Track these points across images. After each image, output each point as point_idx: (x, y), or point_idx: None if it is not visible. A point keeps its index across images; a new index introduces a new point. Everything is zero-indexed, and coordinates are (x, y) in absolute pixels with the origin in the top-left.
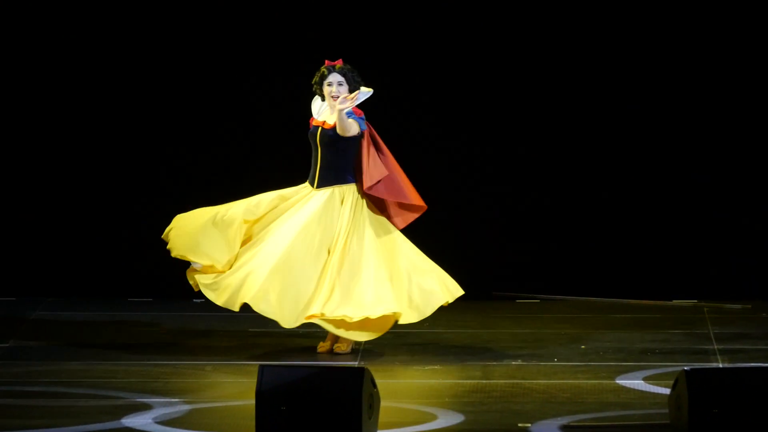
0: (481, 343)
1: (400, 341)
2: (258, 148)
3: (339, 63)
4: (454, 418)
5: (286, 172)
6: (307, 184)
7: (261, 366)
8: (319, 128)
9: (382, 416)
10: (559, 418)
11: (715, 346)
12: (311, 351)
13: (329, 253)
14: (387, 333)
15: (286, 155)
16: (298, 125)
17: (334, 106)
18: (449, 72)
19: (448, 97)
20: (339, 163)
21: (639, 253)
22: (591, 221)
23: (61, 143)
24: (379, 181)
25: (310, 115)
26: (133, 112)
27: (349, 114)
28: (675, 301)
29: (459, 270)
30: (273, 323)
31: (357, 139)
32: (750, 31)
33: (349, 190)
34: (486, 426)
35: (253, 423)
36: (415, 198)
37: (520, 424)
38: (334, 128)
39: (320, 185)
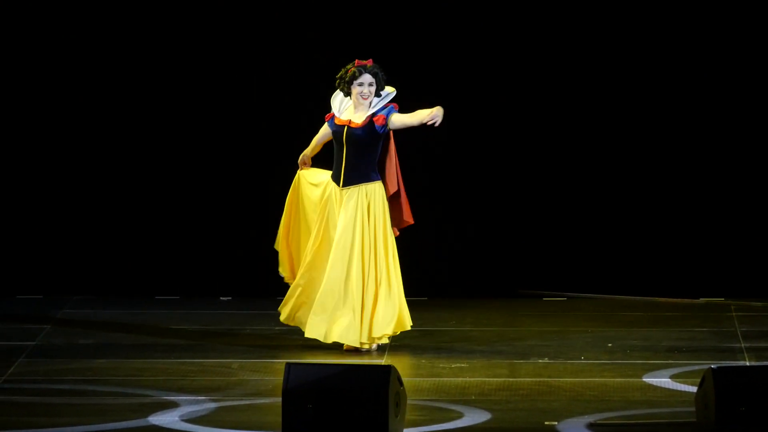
0: (507, 340)
1: (426, 339)
2: (281, 142)
3: (370, 63)
4: (481, 416)
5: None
6: (330, 180)
7: (287, 364)
8: (345, 127)
9: (409, 414)
10: (585, 417)
11: (743, 344)
12: (338, 349)
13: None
14: (414, 330)
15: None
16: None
17: (361, 105)
18: (461, 68)
19: (467, 92)
20: (364, 161)
21: (666, 250)
22: (618, 219)
23: (89, 142)
24: (395, 194)
25: (325, 110)
26: (161, 109)
27: (391, 110)
28: (702, 299)
29: (486, 267)
30: None
31: (383, 137)
32: (751, 29)
33: (375, 189)
34: (512, 424)
35: (279, 421)
36: (408, 215)
37: (546, 422)
38: (362, 127)
39: (346, 184)
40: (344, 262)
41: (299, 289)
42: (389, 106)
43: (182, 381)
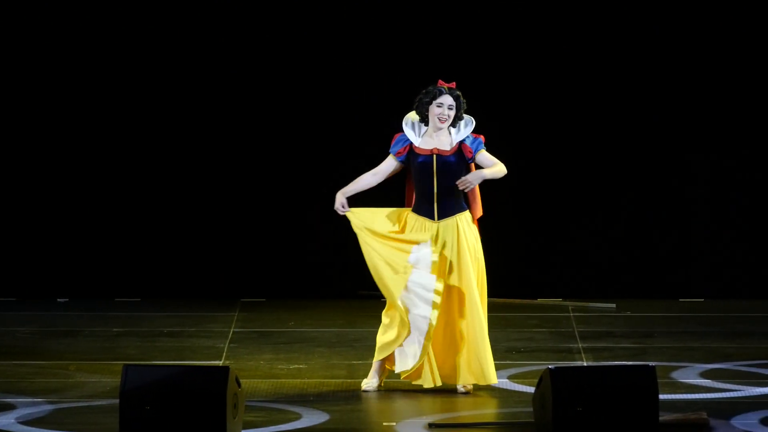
0: (347, 342)
1: (264, 340)
2: (232, 150)
3: (453, 86)
4: (319, 417)
5: (263, 174)
6: (412, 217)
7: (125, 365)
8: (435, 156)
9: (247, 415)
10: (424, 417)
11: (580, 345)
12: (176, 351)
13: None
14: (252, 332)
15: (267, 158)
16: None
17: (439, 129)
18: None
19: None
20: (456, 190)
21: (503, 251)
22: None
23: None
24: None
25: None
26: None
27: (480, 145)
28: (540, 300)
29: (326, 269)
30: (137, 323)
31: (469, 163)
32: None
33: (468, 217)
34: (351, 425)
35: (117, 422)
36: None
37: (385, 423)
38: (453, 154)
39: (441, 217)
40: (478, 302)
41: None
42: (478, 139)
43: (19, 383)
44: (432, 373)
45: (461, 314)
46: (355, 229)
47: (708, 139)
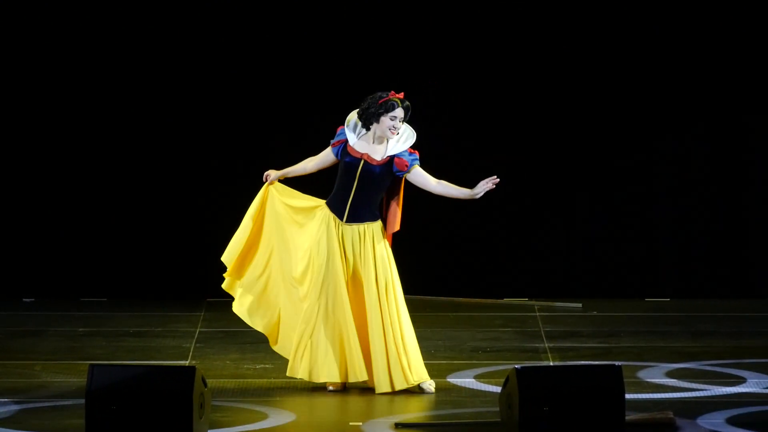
0: None
1: (231, 340)
2: (185, 151)
3: (402, 96)
4: (285, 417)
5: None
6: (325, 208)
7: (91, 365)
8: (362, 161)
9: (213, 415)
10: (390, 417)
11: (546, 344)
12: (142, 350)
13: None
14: (218, 332)
15: (224, 158)
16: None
17: (382, 140)
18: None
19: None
20: (374, 199)
21: (469, 251)
22: (422, 220)
23: None
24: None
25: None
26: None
27: (416, 160)
28: (506, 299)
29: None
30: (103, 323)
31: (398, 178)
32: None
33: (379, 228)
34: (317, 424)
35: (83, 422)
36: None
37: (351, 423)
38: (381, 165)
39: (351, 220)
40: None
41: (310, 340)
42: (414, 154)
43: None
44: (351, 366)
45: (362, 322)
46: (262, 190)
47: (671, 140)
